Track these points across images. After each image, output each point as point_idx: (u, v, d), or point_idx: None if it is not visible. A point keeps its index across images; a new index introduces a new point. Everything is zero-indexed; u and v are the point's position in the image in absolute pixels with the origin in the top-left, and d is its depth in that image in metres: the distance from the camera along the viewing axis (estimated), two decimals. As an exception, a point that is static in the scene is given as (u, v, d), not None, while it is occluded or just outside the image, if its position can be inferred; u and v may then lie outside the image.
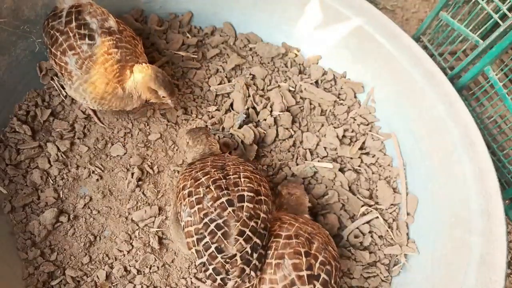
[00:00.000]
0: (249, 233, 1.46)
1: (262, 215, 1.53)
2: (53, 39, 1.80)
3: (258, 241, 1.47)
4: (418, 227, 2.00)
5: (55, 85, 2.15)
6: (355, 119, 2.32)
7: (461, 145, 1.89)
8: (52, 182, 1.97)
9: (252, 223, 1.47)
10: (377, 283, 1.91)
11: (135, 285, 1.81)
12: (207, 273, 1.45)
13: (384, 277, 1.93)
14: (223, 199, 1.49)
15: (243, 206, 1.49)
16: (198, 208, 1.50)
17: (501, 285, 1.59)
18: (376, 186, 2.15)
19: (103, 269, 1.82)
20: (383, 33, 2.18)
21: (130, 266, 1.84)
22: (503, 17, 2.25)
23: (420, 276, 1.87)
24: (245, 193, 1.52)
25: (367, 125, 2.32)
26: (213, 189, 1.52)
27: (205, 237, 1.46)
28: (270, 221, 1.58)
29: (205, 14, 2.49)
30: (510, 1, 2.22)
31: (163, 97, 1.93)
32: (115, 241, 1.90)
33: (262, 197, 1.57)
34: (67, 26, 1.79)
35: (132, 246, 1.89)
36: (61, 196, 1.95)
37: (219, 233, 1.44)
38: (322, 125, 2.28)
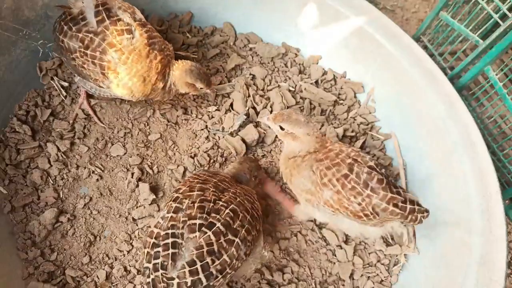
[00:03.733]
0: (199, 268, 1.37)
1: (224, 257, 1.42)
2: (86, 42, 1.76)
3: (203, 279, 1.37)
4: (418, 227, 2.00)
5: (55, 85, 2.15)
6: (355, 119, 2.32)
7: (461, 145, 1.89)
8: (52, 182, 1.97)
9: (208, 260, 1.39)
10: (378, 283, 1.91)
11: (135, 285, 1.81)
12: (147, 280, 1.40)
13: (384, 277, 1.93)
14: (197, 222, 1.42)
15: (206, 233, 1.41)
16: (171, 216, 1.47)
17: (501, 285, 1.59)
18: (376, 186, 2.15)
19: (103, 269, 1.82)
20: (383, 33, 2.18)
21: (130, 266, 1.84)
22: (503, 17, 2.25)
23: (420, 276, 1.87)
24: (218, 224, 1.44)
25: (367, 125, 2.32)
26: (195, 207, 1.46)
27: (159, 245, 1.41)
28: (236, 268, 1.49)
29: (205, 14, 2.49)
30: (510, 1, 2.22)
31: (201, 88, 2.00)
32: (115, 241, 1.90)
33: (237, 240, 1.46)
34: (101, 25, 1.76)
35: (132, 246, 1.89)
36: (61, 196, 1.95)
37: (170, 251, 1.38)
38: (322, 125, 2.28)
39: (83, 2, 1.80)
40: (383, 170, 1.67)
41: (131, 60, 1.78)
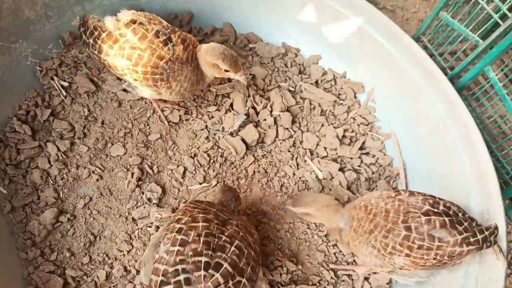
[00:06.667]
0: None
1: None
2: (135, 58, 1.77)
3: None
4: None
5: (55, 85, 2.15)
6: (355, 119, 2.32)
7: (461, 145, 1.89)
8: (52, 182, 1.97)
9: None
10: (378, 283, 1.91)
11: (135, 285, 1.81)
12: None
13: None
14: (203, 259, 1.33)
15: (213, 275, 1.32)
16: (178, 250, 1.36)
17: (501, 285, 1.59)
18: (376, 186, 2.15)
19: (103, 269, 1.82)
20: (383, 33, 2.18)
21: (130, 266, 1.84)
22: (503, 17, 2.25)
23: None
24: (225, 264, 1.35)
25: (367, 125, 2.32)
26: (201, 242, 1.37)
27: (169, 283, 1.30)
28: None
29: (205, 14, 2.49)
30: (510, 1, 2.22)
31: (226, 71, 1.88)
32: (115, 241, 1.90)
33: (243, 280, 1.37)
34: (144, 41, 1.76)
35: (132, 246, 1.89)
36: (61, 196, 1.95)
37: None
38: (322, 125, 2.28)
39: (118, 20, 1.79)
40: (440, 203, 1.56)
41: (177, 68, 1.82)
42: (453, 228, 1.49)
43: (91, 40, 1.81)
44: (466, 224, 1.52)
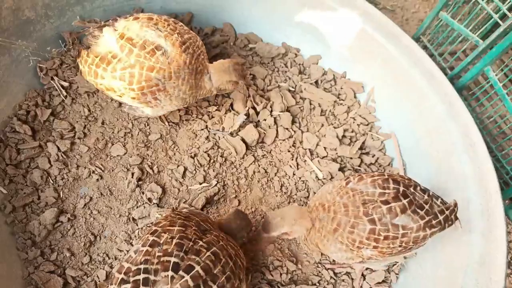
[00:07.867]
0: None
1: None
2: (127, 78, 1.76)
3: None
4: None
5: (55, 85, 2.15)
6: (355, 119, 2.33)
7: (461, 145, 1.89)
8: (52, 182, 1.97)
9: None
10: (376, 281, 1.91)
11: (135, 285, 1.81)
12: None
13: (384, 277, 1.93)
14: (172, 259, 1.29)
15: (183, 277, 1.25)
16: (146, 250, 1.33)
17: (501, 285, 1.59)
18: (376, 186, 2.15)
19: (103, 269, 1.82)
20: (383, 33, 2.18)
21: (130, 266, 1.84)
22: (503, 17, 2.25)
23: (420, 277, 1.87)
24: (197, 267, 1.29)
25: (367, 125, 2.32)
26: (172, 243, 1.33)
27: (128, 282, 1.27)
28: None
29: (205, 14, 2.49)
30: (510, 1, 2.22)
31: (242, 82, 2.06)
32: (115, 241, 1.90)
33: (214, 287, 1.31)
34: (131, 55, 1.74)
35: (132, 246, 1.89)
36: (61, 196, 1.95)
37: None
38: (322, 125, 2.28)
39: (116, 29, 1.79)
40: (390, 181, 1.55)
41: (174, 72, 1.80)
42: (414, 213, 1.50)
43: (86, 67, 1.85)
44: (427, 206, 1.53)
